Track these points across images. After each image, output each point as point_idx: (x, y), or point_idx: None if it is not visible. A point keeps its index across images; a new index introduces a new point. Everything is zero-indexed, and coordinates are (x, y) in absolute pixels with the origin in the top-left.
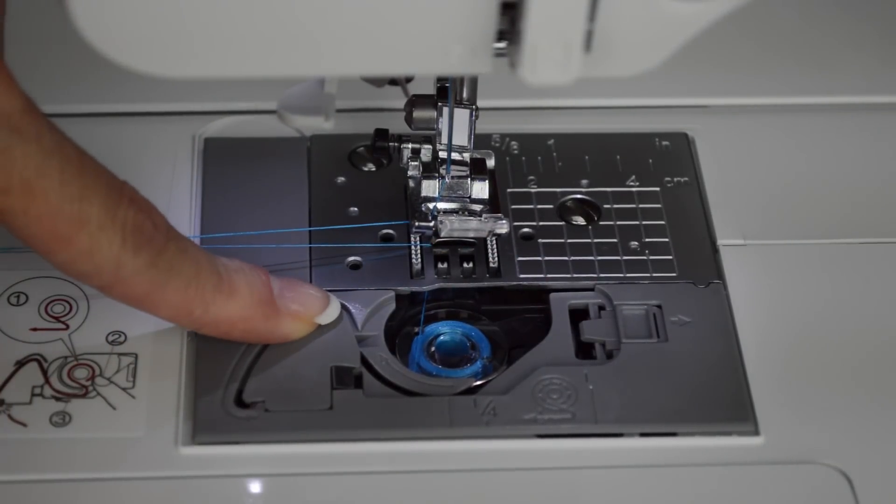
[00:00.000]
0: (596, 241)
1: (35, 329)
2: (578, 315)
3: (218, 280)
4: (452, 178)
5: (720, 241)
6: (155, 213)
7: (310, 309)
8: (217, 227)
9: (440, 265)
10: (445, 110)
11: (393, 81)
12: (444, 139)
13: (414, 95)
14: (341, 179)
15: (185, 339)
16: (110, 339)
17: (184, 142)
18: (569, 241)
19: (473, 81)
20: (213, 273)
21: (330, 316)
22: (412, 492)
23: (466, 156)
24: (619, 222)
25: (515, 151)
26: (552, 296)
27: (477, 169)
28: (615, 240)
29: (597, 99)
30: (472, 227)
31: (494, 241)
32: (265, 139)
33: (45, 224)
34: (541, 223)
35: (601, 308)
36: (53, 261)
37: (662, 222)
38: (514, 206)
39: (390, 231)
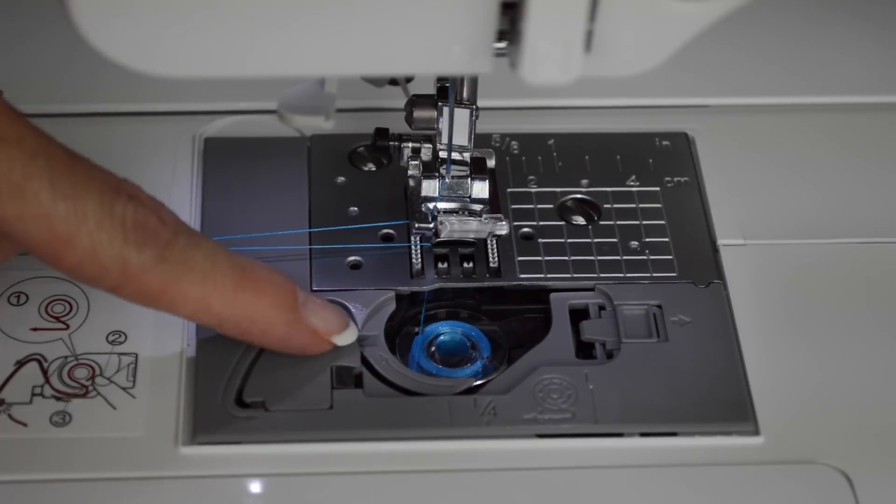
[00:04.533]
0: (596, 240)
1: (35, 329)
2: (578, 315)
3: (241, 276)
4: (452, 177)
5: (720, 241)
6: (163, 210)
7: (329, 326)
8: (217, 226)
9: (440, 265)
10: (445, 110)
11: (393, 81)
12: (445, 139)
13: (414, 95)
14: (341, 179)
15: (185, 338)
16: (110, 338)
17: (184, 142)
18: (569, 240)
19: (473, 81)
20: (233, 267)
21: (347, 339)
22: (412, 492)
23: (466, 155)
24: (619, 222)
25: (515, 151)
26: (552, 296)
27: (477, 169)
28: (615, 240)
29: (597, 99)
30: (472, 229)
31: (494, 241)
32: (265, 139)
33: (42, 225)
34: (541, 223)
35: (601, 308)
36: (62, 267)
37: (662, 222)
38: (514, 206)
39: (390, 231)
